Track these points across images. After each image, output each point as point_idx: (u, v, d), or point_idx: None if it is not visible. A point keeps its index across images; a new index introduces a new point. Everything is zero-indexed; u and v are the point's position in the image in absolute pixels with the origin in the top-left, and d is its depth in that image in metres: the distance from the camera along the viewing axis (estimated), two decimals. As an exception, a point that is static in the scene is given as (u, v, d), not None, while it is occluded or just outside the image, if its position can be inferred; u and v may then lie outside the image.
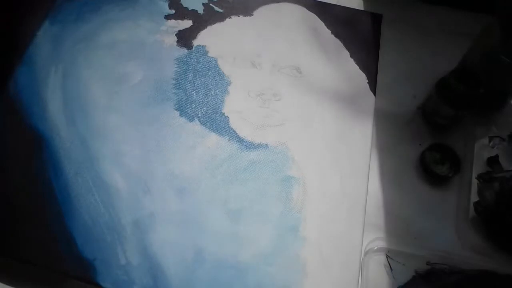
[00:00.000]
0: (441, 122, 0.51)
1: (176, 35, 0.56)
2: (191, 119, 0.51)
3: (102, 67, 0.54)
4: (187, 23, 0.57)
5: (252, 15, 0.58)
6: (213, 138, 0.50)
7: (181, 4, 0.58)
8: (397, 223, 0.47)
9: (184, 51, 0.55)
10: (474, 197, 0.47)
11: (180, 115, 0.51)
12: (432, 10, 0.60)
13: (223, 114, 0.51)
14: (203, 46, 0.56)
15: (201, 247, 0.44)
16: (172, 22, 0.57)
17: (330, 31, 0.57)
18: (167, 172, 0.48)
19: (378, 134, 0.51)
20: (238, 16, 0.58)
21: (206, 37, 0.56)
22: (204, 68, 0.54)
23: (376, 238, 0.46)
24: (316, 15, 0.58)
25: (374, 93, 0.53)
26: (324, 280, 0.43)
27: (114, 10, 0.58)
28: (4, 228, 0.45)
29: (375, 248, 0.45)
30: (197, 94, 0.52)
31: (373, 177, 0.49)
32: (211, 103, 0.52)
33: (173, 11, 0.58)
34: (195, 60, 0.55)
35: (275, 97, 0.53)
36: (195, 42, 0.56)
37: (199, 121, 0.51)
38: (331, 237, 0.45)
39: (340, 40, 0.56)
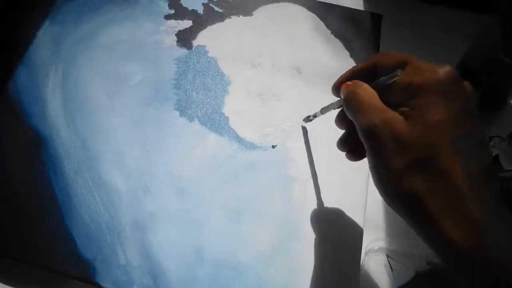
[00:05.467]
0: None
1: (176, 35, 0.56)
2: (191, 119, 0.51)
3: (102, 67, 0.54)
4: (187, 23, 0.57)
5: (252, 15, 0.58)
6: (213, 138, 0.50)
7: (181, 4, 0.58)
8: (397, 223, 0.47)
9: (184, 51, 0.55)
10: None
11: (180, 115, 0.51)
12: (432, 10, 0.60)
13: (223, 114, 0.51)
14: (203, 46, 0.56)
15: (201, 247, 0.44)
16: (172, 22, 0.57)
17: (330, 31, 0.57)
18: (167, 172, 0.48)
19: (378, 134, 0.51)
20: (238, 16, 0.58)
21: (206, 37, 0.56)
22: (204, 68, 0.54)
23: (376, 238, 0.45)
24: (316, 15, 0.58)
25: (374, 93, 0.53)
26: (324, 280, 0.43)
27: (114, 10, 0.58)
28: (4, 228, 0.45)
29: (376, 248, 0.45)
30: (197, 94, 0.52)
31: (373, 177, 0.49)
32: (211, 103, 0.52)
33: (173, 11, 0.58)
34: (195, 60, 0.55)
35: (275, 97, 0.53)
36: (195, 42, 0.56)
37: (199, 121, 0.51)
38: (331, 237, 0.45)
39: (340, 40, 0.56)
